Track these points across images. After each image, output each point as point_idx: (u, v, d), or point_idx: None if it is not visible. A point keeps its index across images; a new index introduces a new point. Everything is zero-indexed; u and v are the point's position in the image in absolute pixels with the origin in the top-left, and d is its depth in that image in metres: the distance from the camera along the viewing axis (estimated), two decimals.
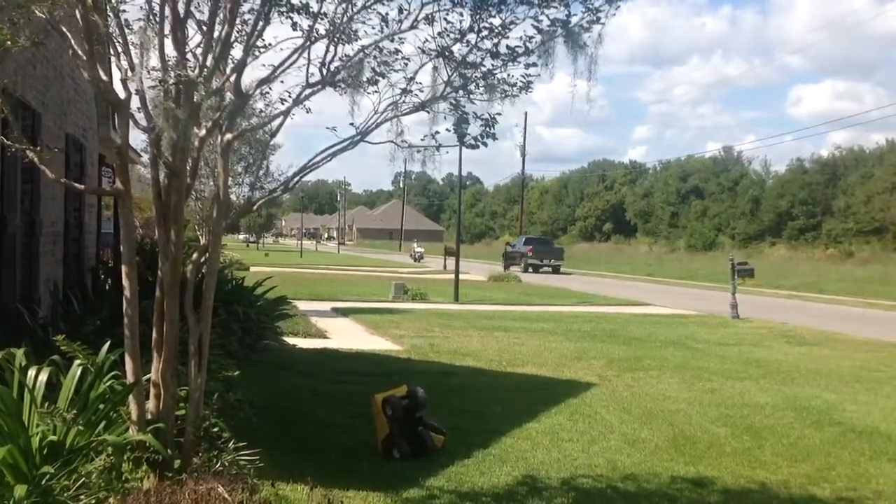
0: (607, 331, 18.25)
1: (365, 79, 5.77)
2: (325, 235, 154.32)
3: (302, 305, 20.29)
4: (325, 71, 5.69)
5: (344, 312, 20.67)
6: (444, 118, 6.16)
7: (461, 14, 5.75)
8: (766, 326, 20.49)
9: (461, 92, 6.00)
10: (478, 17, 5.73)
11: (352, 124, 5.93)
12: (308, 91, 5.74)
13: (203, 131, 5.45)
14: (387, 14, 5.75)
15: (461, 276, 28.06)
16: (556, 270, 49.89)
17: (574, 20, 5.79)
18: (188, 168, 5.50)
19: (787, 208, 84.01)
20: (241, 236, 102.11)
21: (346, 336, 16.17)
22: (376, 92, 5.89)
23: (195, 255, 5.67)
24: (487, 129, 6.18)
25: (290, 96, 5.96)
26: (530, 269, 49.12)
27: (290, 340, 14.55)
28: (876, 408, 10.46)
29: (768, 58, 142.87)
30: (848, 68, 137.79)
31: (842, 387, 12.00)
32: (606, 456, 7.68)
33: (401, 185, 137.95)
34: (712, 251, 76.17)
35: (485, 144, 6.20)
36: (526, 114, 66.38)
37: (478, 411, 9.42)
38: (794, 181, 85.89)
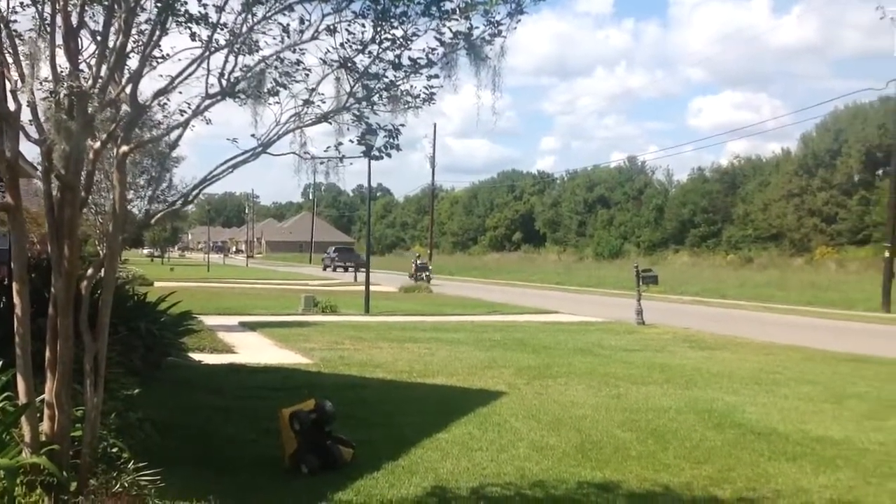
0: (517, 339, 18.42)
1: (266, 90, 5.69)
2: (234, 249, 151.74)
3: (208, 320, 19.90)
4: (224, 82, 5.60)
5: (252, 327, 20.36)
6: (348, 129, 6.13)
7: (363, 25, 5.74)
8: (671, 332, 20.98)
9: (365, 103, 5.98)
10: (380, 28, 5.72)
11: (253, 136, 5.86)
12: (208, 102, 5.64)
13: (98, 143, 5.29)
14: (288, 25, 5.70)
15: (372, 288, 27.96)
16: (357, 270, 60.04)
17: (476, 33, 5.82)
18: (82, 181, 5.33)
19: (689, 216, 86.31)
20: (146, 251, 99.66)
21: (254, 350, 15.92)
22: (278, 103, 5.83)
23: (90, 271, 5.50)
24: (392, 140, 6.18)
25: (189, 107, 5.85)
26: (338, 269, 69.62)
27: (196, 356, 14.26)
28: (774, 409, 10.79)
29: (670, 70, 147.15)
30: (746, 80, 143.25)
31: (742, 389, 12.35)
32: (515, 464, 7.73)
33: (310, 197, 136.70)
34: (619, 259, 77.78)
35: (388, 155, 6.20)
36: (435, 125, 66.85)
37: (388, 423, 9.38)
38: (696, 190, 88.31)
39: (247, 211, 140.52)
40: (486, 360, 14.94)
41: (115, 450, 5.72)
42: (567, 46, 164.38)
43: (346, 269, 67.41)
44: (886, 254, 32.52)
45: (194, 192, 6.05)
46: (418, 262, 50.60)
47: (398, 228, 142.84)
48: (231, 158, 5.78)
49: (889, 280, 31.82)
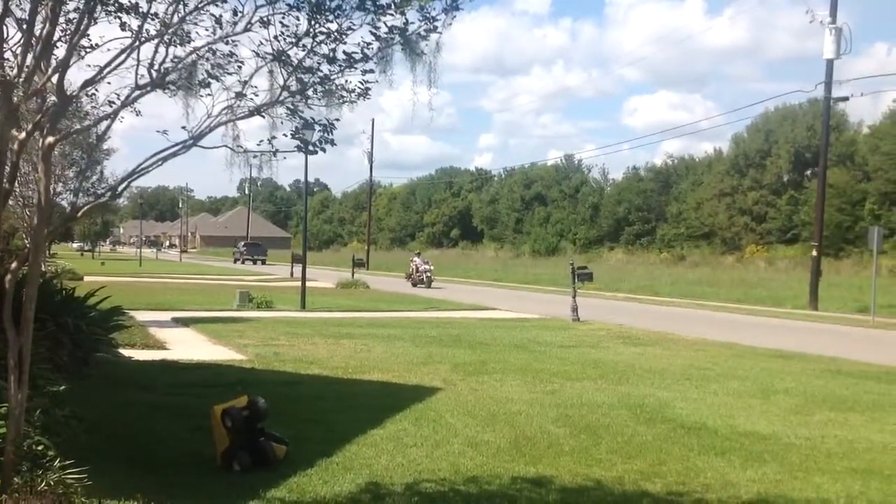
0: (454, 336, 18.47)
1: (198, 81, 5.60)
2: (167, 243, 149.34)
3: (140, 316, 19.55)
4: (155, 73, 5.48)
5: (185, 322, 20.05)
6: (282, 123, 6.07)
7: (298, 18, 5.67)
8: (605, 328, 21.24)
9: (299, 97, 5.91)
10: (314, 21, 5.66)
11: (184, 128, 5.76)
12: (137, 93, 5.53)
13: (23, 134, 5.15)
14: (220, 16, 5.60)
15: (308, 284, 27.75)
16: (263, 263, 75.21)
17: (412, 28, 5.80)
18: (6, 173, 5.18)
19: (624, 214, 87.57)
20: (76, 245, 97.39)
21: (187, 346, 15.69)
22: (210, 95, 5.73)
23: (14, 264, 5.35)
24: (326, 134, 6.12)
25: (118, 98, 5.73)
26: (247, 262, 76.56)
27: (127, 353, 14.00)
28: (704, 404, 10.99)
29: (606, 69, 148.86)
30: (680, 80, 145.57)
31: (673, 384, 12.56)
32: (450, 460, 7.75)
33: (246, 192, 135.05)
34: (555, 256, 78.49)
35: (324, 150, 6.14)
36: (373, 121, 66.70)
37: (322, 420, 9.32)
38: (631, 188, 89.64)
39: (180, 205, 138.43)
40: (422, 356, 14.95)
41: (40, 447, 5.58)
42: (505, 44, 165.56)
43: (254, 262, 77.01)
44: (814, 252, 33.35)
45: (122, 185, 5.92)
46: (418, 260, 43.15)
47: (336, 224, 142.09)
48: (161, 151, 5.66)
49: (816, 278, 32.64)
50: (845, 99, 35.28)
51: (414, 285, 41.21)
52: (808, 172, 70.32)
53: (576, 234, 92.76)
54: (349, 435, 8.51)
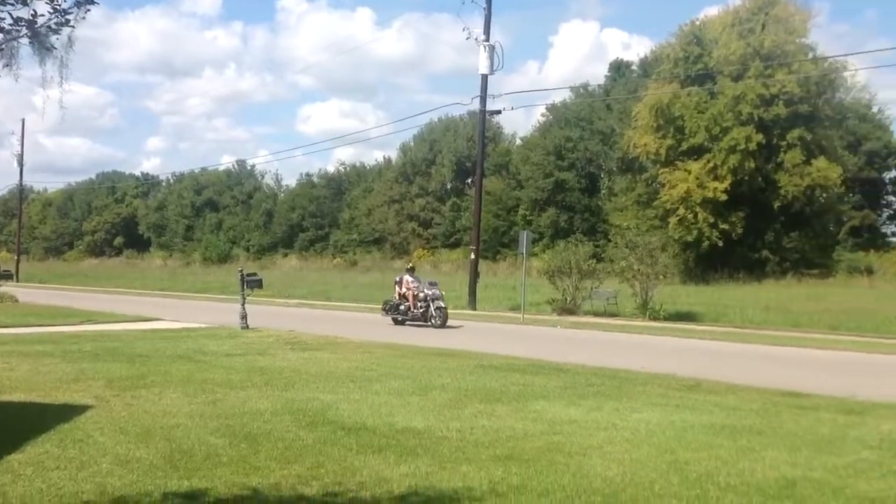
0: (111, 349, 17.42)
1: None
2: None
3: None
4: None
5: None
6: None
7: None
8: (274, 335, 21.12)
9: None
10: None
11: None
12: None
13: None
14: None
15: None
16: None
17: (41, 21, 5.41)
18: None
19: (298, 220, 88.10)
20: None
21: None
22: None
23: None
24: None
25: None
26: None
27: None
28: (366, 405, 11.24)
29: (279, 75, 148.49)
30: (351, 89, 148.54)
31: (338, 387, 12.72)
32: (96, 480, 7.27)
33: None
34: (228, 263, 77.13)
35: None
36: (24, 120, 61.35)
37: None
38: (304, 195, 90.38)
39: None
40: (73, 372, 13.91)
41: None
42: (174, 45, 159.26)
43: None
44: (472, 256, 35.62)
45: None
46: (413, 279, 26.75)
47: None
48: None
49: (474, 280, 34.90)
50: (499, 112, 38.10)
51: (400, 322, 26.28)
52: (469, 180, 74.93)
53: (249, 240, 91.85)
54: None
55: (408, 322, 25.91)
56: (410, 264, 31.51)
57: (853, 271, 47.14)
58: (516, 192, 68.82)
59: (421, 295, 25.92)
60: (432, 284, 26.59)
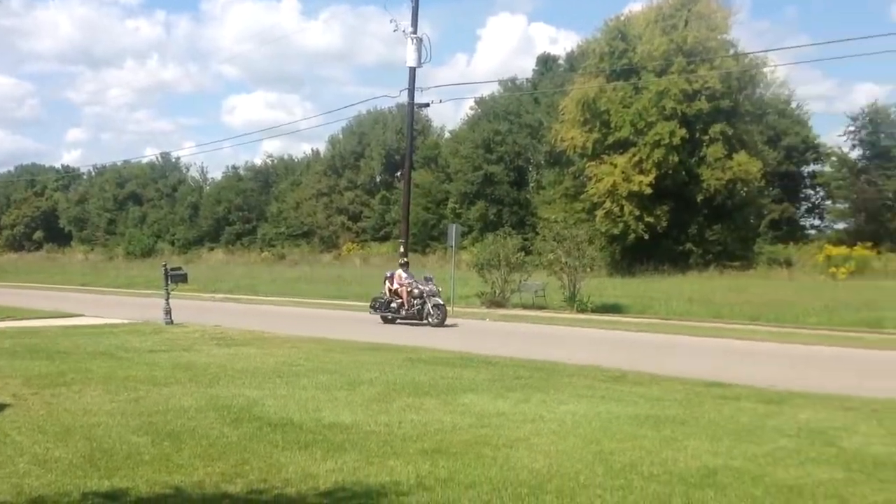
0: (29, 346, 16.93)
1: None
2: None
3: None
4: None
5: None
6: None
7: None
8: (200, 330, 20.79)
9: None
10: None
11: None
12: None
13: None
14: None
15: None
16: None
17: None
18: None
19: (224, 214, 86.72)
20: None
21: None
22: None
23: None
24: None
25: None
26: None
27: None
28: (292, 400, 11.12)
29: (204, 66, 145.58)
30: (278, 80, 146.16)
31: (264, 383, 12.56)
32: (13, 481, 7.06)
33: None
34: (152, 258, 75.63)
35: None
36: None
37: None
38: (231, 188, 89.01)
39: None
40: None
41: None
42: (94, 34, 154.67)
43: None
44: (401, 248, 35.53)
45: None
46: (407, 275, 25.27)
47: None
48: None
49: None
50: (427, 105, 37.88)
51: (390, 321, 24.81)
52: (398, 173, 74.71)
53: (174, 234, 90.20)
54: None
55: (399, 321, 24.45)
56: (405, 259, 28.05)
57: (773, 263, 48.26)
58: (445, 185, 68.88)
59: (416, 291, 24.52)
60: (428, 280, 25.08)
